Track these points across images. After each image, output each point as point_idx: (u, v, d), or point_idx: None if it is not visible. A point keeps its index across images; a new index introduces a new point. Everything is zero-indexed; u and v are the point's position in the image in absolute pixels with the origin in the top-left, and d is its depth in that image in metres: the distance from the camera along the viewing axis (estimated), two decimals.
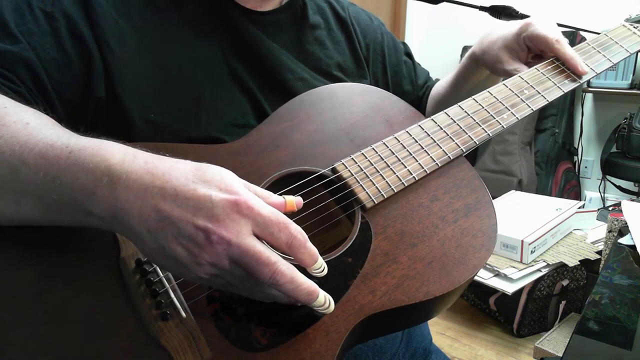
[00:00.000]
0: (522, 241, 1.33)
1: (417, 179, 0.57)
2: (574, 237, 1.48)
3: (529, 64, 0.69)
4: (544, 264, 1.35)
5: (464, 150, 0.60)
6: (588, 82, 1.26)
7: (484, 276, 1.35)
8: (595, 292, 0.57)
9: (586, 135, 2.71)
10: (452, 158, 0.59)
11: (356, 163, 0.57)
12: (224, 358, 0.44)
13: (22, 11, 0.51)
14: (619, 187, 2.44)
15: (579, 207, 1.52)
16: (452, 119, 0.62)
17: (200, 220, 0.38)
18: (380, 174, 0.56)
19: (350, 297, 0.48)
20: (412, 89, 0.83)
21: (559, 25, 0.70)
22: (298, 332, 0.46)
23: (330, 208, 0.56)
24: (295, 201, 0.44)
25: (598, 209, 1.64)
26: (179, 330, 0.44)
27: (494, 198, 0.68)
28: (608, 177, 2.44)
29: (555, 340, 1.27)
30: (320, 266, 0.42)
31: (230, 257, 0.38)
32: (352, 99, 0.63)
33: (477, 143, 0.61)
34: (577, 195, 2.74)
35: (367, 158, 0.57)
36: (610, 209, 1.67)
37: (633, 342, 0.47)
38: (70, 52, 0.52)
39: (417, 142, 0.59)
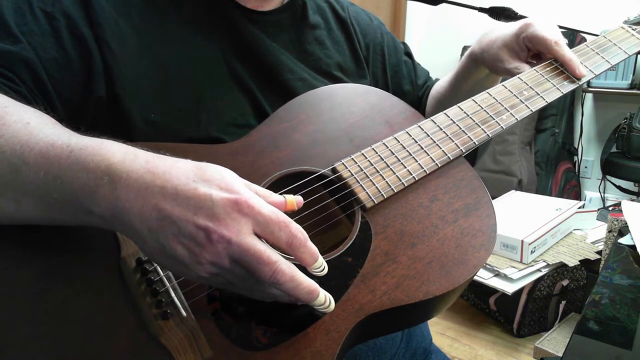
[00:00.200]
0: (522, 241, 1.33)
1: (416, 179, 0.57)
2: (574, 237, 1.48)
3: (529, 64, 0.70)
4: (544, 264, 1.36)
5: (464, 151, 0.60)
6: (588, 82, 1.26)
7: (484, 276, 1.35)
8: (595, 292, 0.57)
9: (586, 135, 2.71)
10: (451, 158, 0.59)
11: (356, 163, 0.57)
12: (224, 357, 0.44)
13: (23, 11, 0.51)
14: (619, 187, 2.44)
15: (579, 207, 1.52)
16: (451, 119, 0.62)
17: (200, 219, 0.38)
18: (380, 174, 0.56)
19: (350, 296, 0.48)
20: (412, 88, 0.83)
21: (559, 26, 0.70)
22: (298, 331, 0.46)
23: (330, 208, 0.56)
24: (295, 200, 0.44)
25: (598, 209, 1.64)
26: (180, 329, 0.44)
27: (494, 198, 0.68)
28: (608, 177, 2.44)
29: (555, 340, 1.27)
30: (321, 265, 0.42)
31: (230, 256, 0.38)
32: (352, 99, 0.63)
33: (477, 143, 0.61)
34: (577, 195, 2.74)
35: (367, 158, 0.57)
36: (610, 209, 1.67)
37: (633, 342, 0.47)
38: (71, 52, 0.52)
39: (416, 142, 0.59)
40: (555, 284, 1.39)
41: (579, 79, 0.67)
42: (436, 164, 0.58)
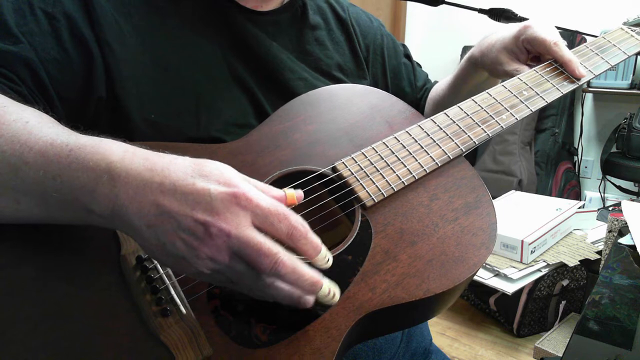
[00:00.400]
0: (522, 241, 1.33)
1: (417, 178, 0.57)
2: (574, 237, 1.48)
3: (528, 66, 0.70)
4: (544, 264, 1.36)
5: (464, 150, 0.60)
6: (588, 82, 1.26)
7: (484, 276, 1.35)
8: (595, 292, 0.57)
9: (586, 135, 2.72)
10: (451, 158, 0.59)
11: (356, 162, 0.57)
12: (224, 354, 0.44)
13: (23, 11, 0.51)
14: (619, 187, 2.44)
15: (579, 207, 1.52)
16: (451, 119, 0.62)
17: (199, 213, 0.38)
18: (380, 173, 0.56)
19: (350, 294, 0.48)
20: (411, 90, 0.84)
21: (558, 28, 0.70)
22: (298, 328, 0.46)
23: (330, 207, 0.56)
24: (295, 194, 0.44)
25: (598, 209, 1.64)
26: (179, 327, 0.44)
27: (494, 198, 0.68)
28: (608, 177, 2.44)
29: (555, 340, 1.27)
30: (325, 256, 0.41)
31: (230, 250, 0.38)
32: (352, 99, 0.64)
33: (477, 143, 0.61)
34: (577, 195, 2.74)
35: (367, 157, 0.57)
36: (610, 209, 1.67)
37: (633, 342, 0.47)
38: (71, 52, 0.52)
39: (417, 142, 0.60)
40: (555, 284, 1.39)
41: (578, 79, 0.67)
42: (436, 163, 0.58)
